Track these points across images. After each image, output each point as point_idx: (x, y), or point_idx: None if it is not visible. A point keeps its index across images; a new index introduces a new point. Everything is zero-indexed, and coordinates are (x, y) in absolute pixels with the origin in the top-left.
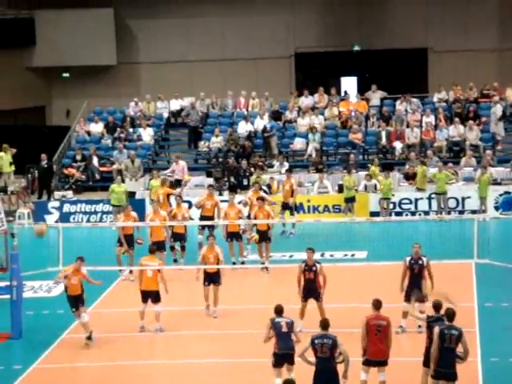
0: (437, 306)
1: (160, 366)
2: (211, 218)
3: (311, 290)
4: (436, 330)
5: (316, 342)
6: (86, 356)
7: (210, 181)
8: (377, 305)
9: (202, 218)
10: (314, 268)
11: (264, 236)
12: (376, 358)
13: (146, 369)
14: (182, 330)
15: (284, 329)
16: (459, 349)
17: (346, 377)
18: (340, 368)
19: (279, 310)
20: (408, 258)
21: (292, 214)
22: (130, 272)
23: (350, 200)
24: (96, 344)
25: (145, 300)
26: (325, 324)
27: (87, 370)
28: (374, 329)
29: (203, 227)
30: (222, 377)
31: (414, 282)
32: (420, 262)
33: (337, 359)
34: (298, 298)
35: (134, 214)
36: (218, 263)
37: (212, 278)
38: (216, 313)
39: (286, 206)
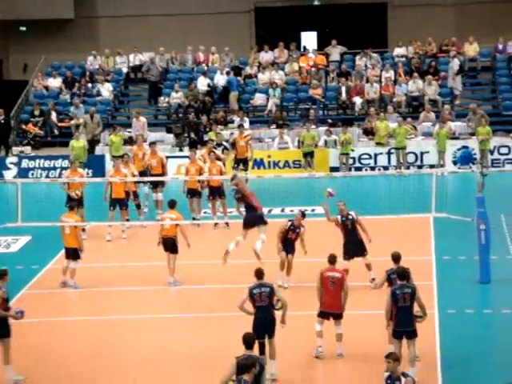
0: (395, 257)
1: (114, 321)
2: (161, 175)
3: (290, 247)
4: (388, 291)
5: (254, 291)
6: (45, 311)
7: (170, 137)
8: (331, 259)
9: (152, 177)
10: (297, 230)
11: (217, 192)
12: (330, 310)
13: (107, 323)
14: (139, 286)
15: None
16: (416, 308)
17: (284, 321)
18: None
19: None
20: (339, 217)
21: (246, 169)
22: (83, 230)
23: (309, 155)
24: (56, 299)
25: (67, 256)
26: (260, 274)
27: (47, 324)
28: (328, 281)
29: (154, 186)
30: (175, 331)
31: (351, 239)
32: (350, 217)
33: (276, 306)
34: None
35: (81, 170)
36: (174, 229)
37: (167, 244)
38: (176, 283)
39: (242, 162)
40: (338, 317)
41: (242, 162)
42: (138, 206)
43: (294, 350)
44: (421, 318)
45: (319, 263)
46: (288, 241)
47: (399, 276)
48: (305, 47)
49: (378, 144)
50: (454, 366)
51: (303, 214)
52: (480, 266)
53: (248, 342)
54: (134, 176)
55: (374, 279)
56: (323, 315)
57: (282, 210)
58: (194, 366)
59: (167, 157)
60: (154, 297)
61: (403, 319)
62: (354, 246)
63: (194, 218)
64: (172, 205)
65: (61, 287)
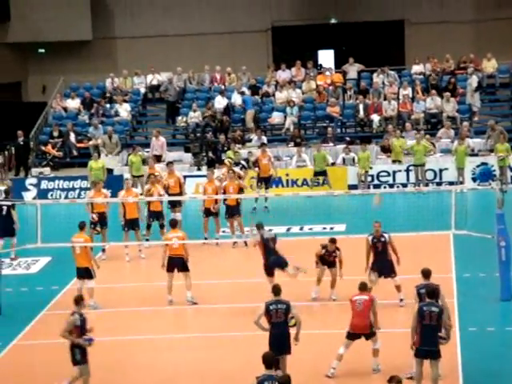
0: (426, 273)
1: (132, 341)
2: (178, 195)
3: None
4: (415, 307)
5: (271, 308)
6: None
7: (189, 156)
8: (361, 287)
9: (170, 196)
10: (334, 254)
11: (235, 210)
12: (358, 331)
13: (125, 344)
14: (158, 306)
15: (271, 244)
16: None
17: (297, 339)
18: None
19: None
20: (370, 237)
21: (267, 187)
22: (103, 251)
23: (320, 174)
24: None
25: (79, 277)
26: (277, 290)
27: (65, 344)
28: (356, 303)
29: (173, 206)
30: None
31: (380, 259)
32: (382, 239)
33: (289, 322)
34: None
35: (105, 191)
36: (182, 248)
37: (176, 263)
38: (193, 298)
39: (265, 180)
40: (368, 336)
41: (264, 181)
42: (162, 226)
43: (311, 368)
44: (444, 340)
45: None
46: (326, 261)
47: (429, 294)
48: (321, 65)
49: (394, 161)
50: None
51: (333, 241)
52: (501, 283)
53: (268, 361)
54: (160, 196)
55: (402, 300)
56: (351, 336)
57: (301, 229)
58: None
59: (185, 176)
60: (173, 317)
61: (427, 338)
62: (382, 266)
63: (205, 238)
64: (174, 224)
65: None
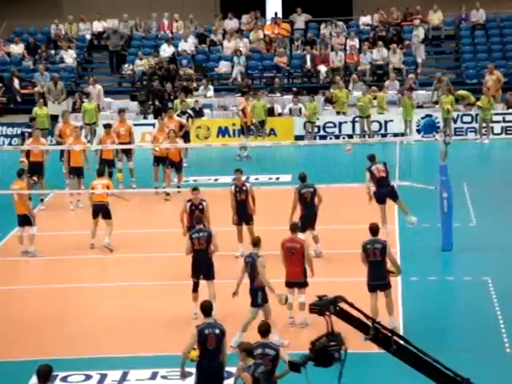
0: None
1: (73, 289)
2: (127, 144)
3: (244, 213)
4: (361, 245)
5: (193, 236)
6: (5, 279)
7: (135, 104)
8: (292, 228)
9: (120, 145)
10: (244, 188)
11: (176, 167)
12: (292, 279)
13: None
14: (100, 254)
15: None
16: (390, 263)
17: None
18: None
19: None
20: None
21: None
22: (41, 201)
23: (260, 123)
24: (18, 267)
25: (20, 224)
26: (198, 219)
27: (6, 292)
28: (288, 251)
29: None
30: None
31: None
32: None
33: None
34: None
35: (42, 140)
36: (106, 195)
37: (99, 210)
38: (109, 245)
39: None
40: (301, 285)
41: (248, 128)
42: (110, 175)
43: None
44: (394, 274)
45: (278, 231)
46: (241, 205)
47: (372, 231)
48: (276, 14)
49: (339, 113)
50: (415, 333)
51: (240, 172)
52: (442, 233)
53: (206, 309)
54: (113, 143)
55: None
56: (288, 285)
57: (247, 179)
58: (154, 333)
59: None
60: (115, 265)
61: (376, 273)
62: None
63: (156, 187)
64: (101, 172)
65: (22, 256)
